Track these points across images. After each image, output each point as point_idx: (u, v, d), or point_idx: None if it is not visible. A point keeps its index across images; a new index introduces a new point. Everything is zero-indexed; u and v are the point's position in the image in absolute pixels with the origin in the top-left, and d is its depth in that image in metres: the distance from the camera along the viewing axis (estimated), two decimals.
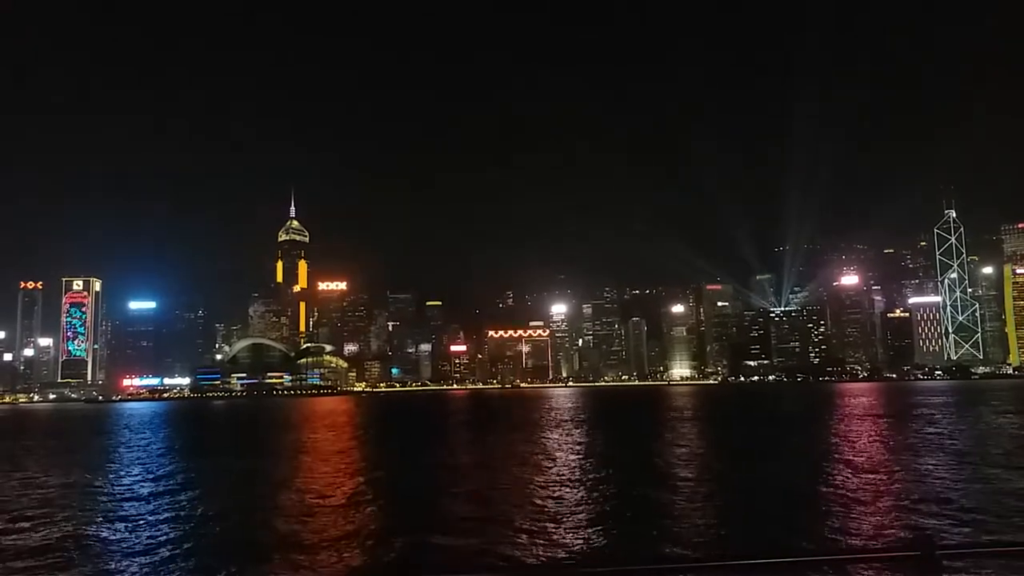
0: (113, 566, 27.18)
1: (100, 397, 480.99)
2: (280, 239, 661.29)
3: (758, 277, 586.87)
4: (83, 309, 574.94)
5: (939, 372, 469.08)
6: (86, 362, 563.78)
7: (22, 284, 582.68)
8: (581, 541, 28.73)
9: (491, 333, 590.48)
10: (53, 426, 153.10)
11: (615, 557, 26.22)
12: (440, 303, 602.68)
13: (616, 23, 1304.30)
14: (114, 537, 31.97)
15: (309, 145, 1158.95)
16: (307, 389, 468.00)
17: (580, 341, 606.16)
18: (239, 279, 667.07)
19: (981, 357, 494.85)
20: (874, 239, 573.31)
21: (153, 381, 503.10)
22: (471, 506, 36.09)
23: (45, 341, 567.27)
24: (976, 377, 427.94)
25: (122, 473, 56.54)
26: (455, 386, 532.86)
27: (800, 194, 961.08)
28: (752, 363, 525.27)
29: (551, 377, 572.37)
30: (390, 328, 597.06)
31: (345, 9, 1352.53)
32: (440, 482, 44.55)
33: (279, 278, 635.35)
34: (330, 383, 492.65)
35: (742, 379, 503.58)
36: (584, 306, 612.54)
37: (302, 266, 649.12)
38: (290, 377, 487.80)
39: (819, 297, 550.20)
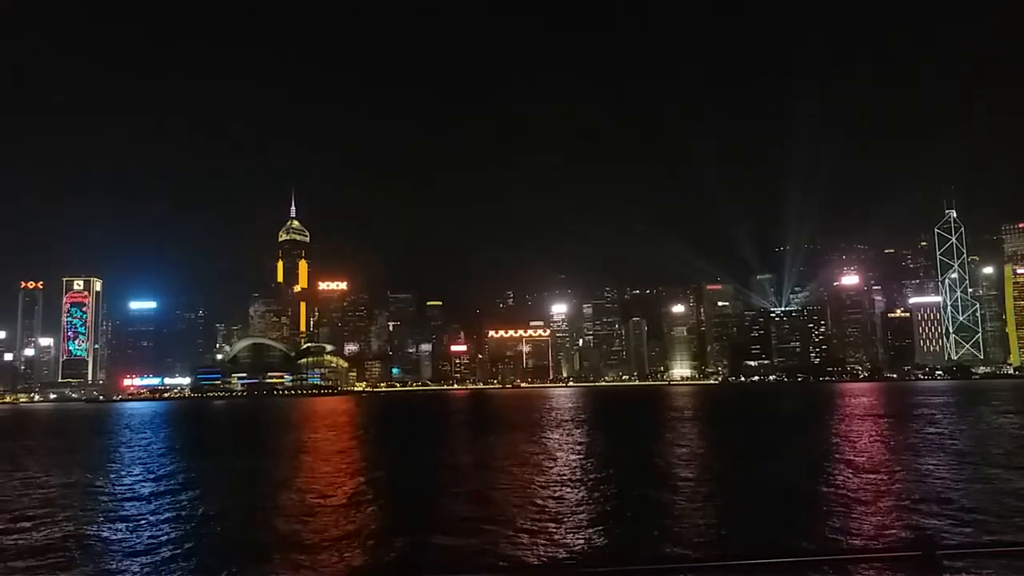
0: (114, 566, 27.19)
1: (101, 397, 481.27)
2: (280, 239, 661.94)
3: (758, 277, 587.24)
4: (84, 309, 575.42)
5: (940, 372, 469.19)
6: (87, 362, 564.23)
7: (23, 284, 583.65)
8: (582, 541, 28.72)
9: (491, 333, 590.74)
10: (54, 426, 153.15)
11: (616, 557, 26.21)
12: (440, 303, 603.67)
13: (616, 23, 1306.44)
14: (115, 537, 31.98)
15: (309, 145, 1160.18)
16: (308, 389, 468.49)
17: (580, 341, 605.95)
18: (239, 279, 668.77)
19: (982, 357, 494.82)
20: (874, 239, 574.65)
21: (154, 381, 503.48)
22: (471, 506, 36.06)
23: (46, 341, 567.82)
24: (977, 377, 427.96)
25: (123, 473, 56.55)
26: (456, 386, 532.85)
27: (800, 194, 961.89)
28: (752, 363, 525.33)
29: (551, 377, 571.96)
30: (390, 328, 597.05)
31: (345, 9, 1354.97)
32: (440, 482, 44.55)
33: (279, 278, 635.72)
34: (331, 383, 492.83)
35: (743, 379, 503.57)
36: (584, 306, 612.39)
37: (302, 266, 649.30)
38: (291, 377, 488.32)
39: (819, 297, 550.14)
